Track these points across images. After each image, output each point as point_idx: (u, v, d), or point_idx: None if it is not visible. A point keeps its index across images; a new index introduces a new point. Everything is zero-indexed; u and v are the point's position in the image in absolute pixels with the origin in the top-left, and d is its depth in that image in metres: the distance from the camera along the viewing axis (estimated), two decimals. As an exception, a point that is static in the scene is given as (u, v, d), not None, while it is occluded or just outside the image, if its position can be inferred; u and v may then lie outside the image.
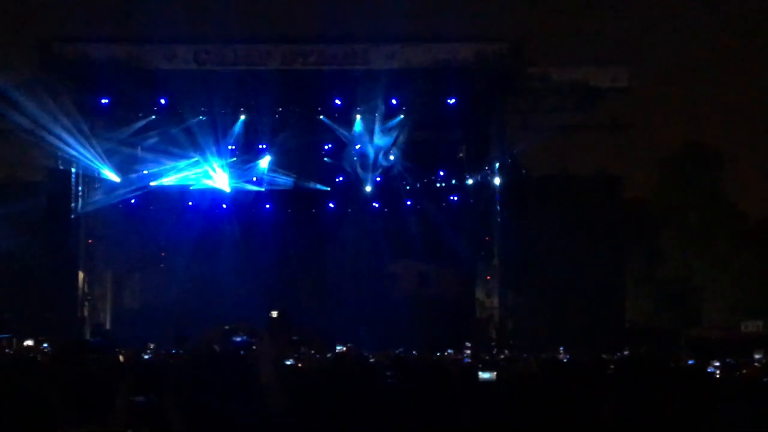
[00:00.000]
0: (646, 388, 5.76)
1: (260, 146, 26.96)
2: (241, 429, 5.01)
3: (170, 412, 5.02)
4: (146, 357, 13.59)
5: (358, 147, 26.88)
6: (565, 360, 16.28)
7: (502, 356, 19.10)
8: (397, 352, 16.40)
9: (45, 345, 16.19)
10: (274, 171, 27.31)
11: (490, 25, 26.00)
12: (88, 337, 21.76)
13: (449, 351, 20.39)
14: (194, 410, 5.29)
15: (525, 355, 17.79)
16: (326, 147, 27.31)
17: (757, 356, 15.89)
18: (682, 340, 23.21)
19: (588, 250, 25.60)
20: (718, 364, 12.97)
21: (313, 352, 13.56)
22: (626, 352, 16.32)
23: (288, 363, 9.56)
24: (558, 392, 6.30)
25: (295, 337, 7.35)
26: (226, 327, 6.22)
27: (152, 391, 5.49)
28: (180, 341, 15.73)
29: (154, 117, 25.84)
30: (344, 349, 17.51)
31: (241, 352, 5.95)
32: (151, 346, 17.87)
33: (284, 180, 27.39)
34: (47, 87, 24.48)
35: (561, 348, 20.73)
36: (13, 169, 26.11)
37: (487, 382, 8.26)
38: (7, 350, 16.39)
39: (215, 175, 26.77)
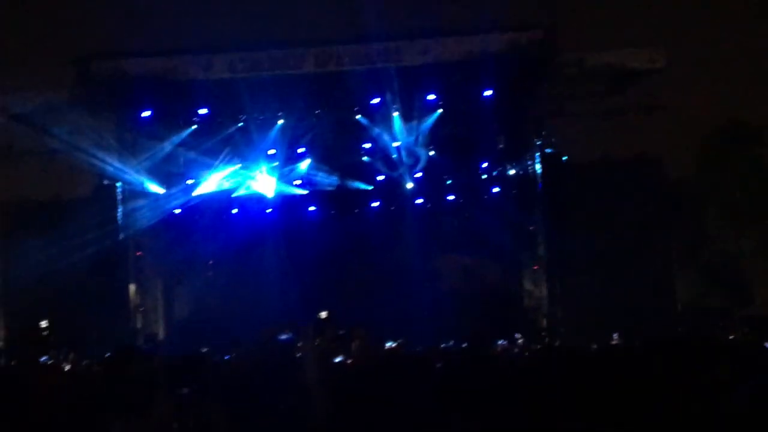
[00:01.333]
0: (704, 364, 5.75)
1: (299, 150, 27.16)
2: (284, 423, 5.11)
3: (213, 405, 5.13)
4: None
5: (397, 145, 26.95)
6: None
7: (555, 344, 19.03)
8: (444, 345, 16.40)
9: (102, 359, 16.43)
10: (315, 173, 27.52)
11: (521, 13, 25.78)
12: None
13: (501, 341, 20.34)
14: (238, 404, 5.41)
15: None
16: (365, 147, 27.41)
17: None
18: (737, 319, 22.92)
19: (633, 234, 25.44)
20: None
21: (359, 346, 13.60)
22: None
23: (337, 360, 9.65)
24: (609, 374, 6.29)
25: (341, 332, 7.45)
26: (276, 329, 6.35)
27: (197, 384, 5.56)
28: (234, 345, 15.90)
29: (194, 128, 26.14)
30: (394, 345, 17.57)
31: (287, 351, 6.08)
32: (204, 350, 18.07)
33: (326, 182, 27.58)
34: (87, 105, 24.91)
35: (615, 335, 20.57)
36: (59, 188, 26.60)
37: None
38: (65, 366, 16.69)
39: (257, 181, 27.06)
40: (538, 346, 18.02)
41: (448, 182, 27.98)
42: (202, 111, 25.78)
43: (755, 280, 27.45)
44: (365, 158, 27.58)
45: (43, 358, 15.14)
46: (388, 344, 18.33)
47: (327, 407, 5.72)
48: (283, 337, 5.96)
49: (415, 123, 26.54)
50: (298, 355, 5.80)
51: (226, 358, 12.67)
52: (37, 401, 6.24)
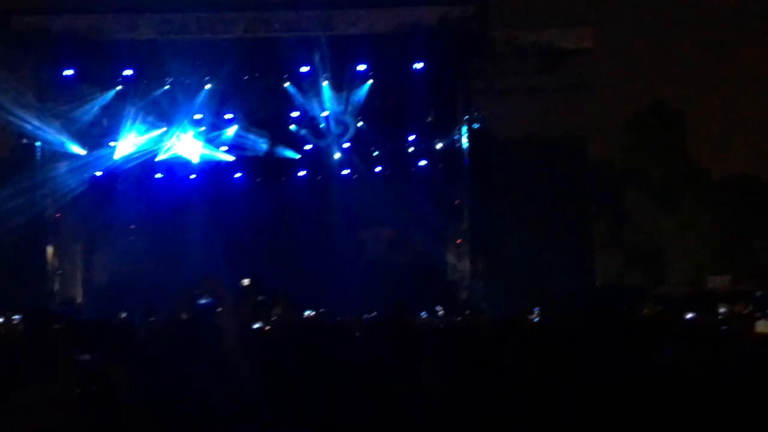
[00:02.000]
0: (615, 339, 5.87)
1: (226, 115, 26.83)
2: (197, 390, 5.06)
3: (119, 371, 5.05)
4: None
5: (325, 114, 26.83)
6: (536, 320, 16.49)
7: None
8: (366, 316, 16.45)
9: (15, 317, 16.10)
10: (242, 140, 27.23)
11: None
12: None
13: (423, 314, 20.50)
14: (149, 370, 5.33)
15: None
16: (293, 115, 27.21)
17: (721, 310, 16.18)
18: (651, 297, 23.55)
19: (555, 212, 25.88)
20: (690, 315, 13.20)
21: (279, 314, 13.54)
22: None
23: (255, 327, 9.58)
24: (528, 348, 6.39)
25: (260, 298, 7.41)
26: (196, 291, 6.28)
27: (100, 350, 5.42)
28: (148, 312, 15.70)
29: (119, 88, 25.59)
30: (313, 313, 17.57)
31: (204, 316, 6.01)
32: (123, 315, 17.81)
33: (253, 148, 27.32)
34: (7, 61, 24.20)
35: (536, 309, 20.91)
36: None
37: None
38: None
39: (182, 145, 26.66)
40: (459, 319, 18.24)
41: (376, 153, 27.98)
42: (127, 72, 25.22)
43: (671, 260, 28.18)
44: (293, 126, 27.39)
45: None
46: (307, 313, 18.33)
47: (244, 375, 5.68)
48: (203, 301, 5.89)
49: (344, 93, 26.45)
50: (216, 320, 5.74)
51: (139, 323, 12.51)
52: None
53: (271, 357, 6.01)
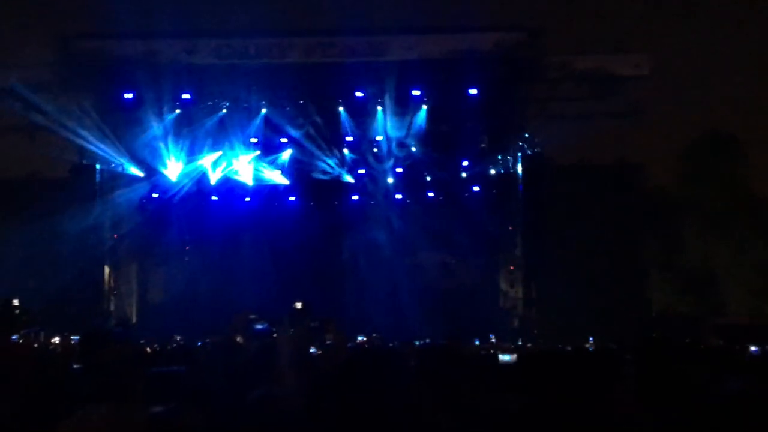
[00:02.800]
0: (671, 367, 5.76)
1: (282, 139, 27.07)
2: (254, 413, 5.07)
3: (184, 395, 5.09)
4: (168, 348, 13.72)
5: (379, 139, 26.92)
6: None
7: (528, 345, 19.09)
8: (419, 343, 16.40)
9: (74, 338, 16.33)
10: (296, 164, 27.44)
11: (508, 13, 25.82)
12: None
13: (476, 342, 20.39)
14: (210, 393, 5.38)
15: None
16: (348, 139, 27.35)
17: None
18: (707, 327, 23.08)
19: (610, 239, 25.56)
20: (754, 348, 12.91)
21: (332, 339, 13.53)
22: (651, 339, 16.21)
23: (311, 351, 9.58)
24: (579, 375, 6.31)
25: (314, 324, 7.42)
26: (251, 316, 6.32)
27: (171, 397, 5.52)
28: (203, 335, 15.84)
29: (177, 112, 25.96)
30: (365, 339, 17.57)
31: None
32: (178, 338, 18.00)
33: (306, 173, 27.50)
34: (69, 84, 24.69)
35: (591, 339, 20.62)
36: (37, 167, 26.36)
37: (507, 364, 8.30)
38: (35, 345, 16.56)
39: (238, 169, 26.96)
40: (512, 347, 18.11)
41: (429, 179, 27.96)
42: (185, 96, 25.58)
43: (725, 289, 27.62)
44: (347, 151, 27.51)
45: (14, 337, 15.03)
46: (360, 338, 18.34)
47: (298, 400, 5.68)
48: (259, 326, 5.92)
49: (398, 119, 26.50)
50: (272, 345, 5.77)
51: (199, 344, 12.62)
52: (3, 379, 6.16)
53: (324, 382, 6.02)
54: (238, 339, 6.07)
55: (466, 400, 6.48)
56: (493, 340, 22.06)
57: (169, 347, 13.75)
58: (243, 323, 6.27)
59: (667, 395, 5.62)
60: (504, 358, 8.57)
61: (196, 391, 5.30)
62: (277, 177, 27.51)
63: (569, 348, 14.72)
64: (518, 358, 8.81)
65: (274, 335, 5.85)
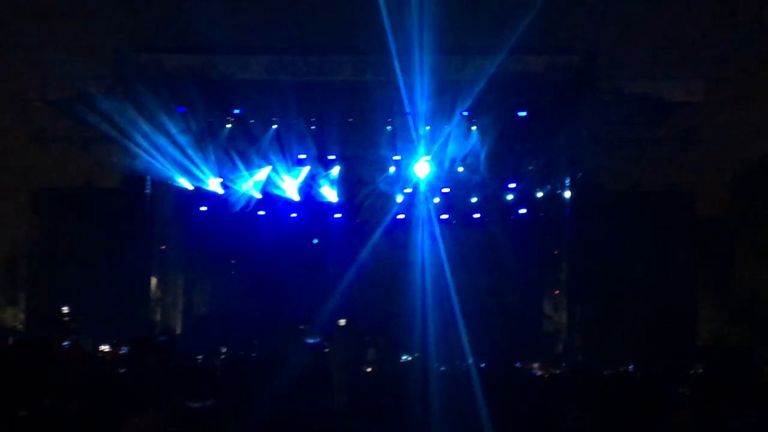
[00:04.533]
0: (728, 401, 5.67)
1: (330, 156, 27.20)
2: (302, 425, 5.07)
3: (225, 417, 5.12)
4: (212, 361, 13.78)
5: (426, 159, 26.91)
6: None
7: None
8: (465, 364, 16.28)
9: (123, 349, 16.51)
10: (343, 181, 27.55)
11: (561, 36, 25.73)
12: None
13: (517, 364, 20.19)
14: (253, 414, 5.39)
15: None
16: (395, 158, 27.39)
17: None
18: (757, 358, 22.63)
19: (659, 266, 25.25)
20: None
21: (375, 355, 13.57)
22: (700, 370, 15.97)
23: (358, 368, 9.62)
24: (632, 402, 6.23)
25: (363, 338, 7.44)
26: (301, 327, 6.34)
27: (210, 396, 5.57)
28: (247, 347, 15.88)
29: (228, 127, 26.23)
30: (410, 358, 17.50)
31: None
32: (224, 350, 18.09)
33: (353, 190, 27.59)
34: (124, 95, 25.09)
35: (630, 367, 20.34)
36: (89, 176, 26.77)
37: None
38: (84, 351, 16.75)
39: (286, 185, 27.13)
40: (557, 371, 17.91)
41: (475, 199, 27.88)
42: (237, 111, 25.85)
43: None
44: (394, 169, 27.56)
45: (65, 344, 15.22)
46: (405, 357, 18.28)
47: (348, 411, 5.70)
48: (311, 341, 5.96)
49: (447, 138, 26.49)
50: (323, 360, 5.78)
51: (241, 353, 12.68)
52: (57, 381, 6.25)
53: (372, 397, 6.02)
54: (289, 352, 6.09)
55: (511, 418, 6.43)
56: (535, 366, 21.83)
57: (216, 358, 13.83)
58: (294, 336, 6.29)
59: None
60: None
61: (240, 401, 5.32)
62: (324, 194, 27.63)
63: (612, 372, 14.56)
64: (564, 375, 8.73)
65: (326, 350, 5.85)
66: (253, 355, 11.14)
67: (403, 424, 5.80)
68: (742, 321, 26.91)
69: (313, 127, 26.40)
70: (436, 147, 26.57)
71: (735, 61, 24.67)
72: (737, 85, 26.29)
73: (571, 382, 9.71)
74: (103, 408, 5.34)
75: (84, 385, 5.77)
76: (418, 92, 25.33)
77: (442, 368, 13.52)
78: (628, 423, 6.06)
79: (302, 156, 26.93)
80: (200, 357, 15.33)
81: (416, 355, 18.22)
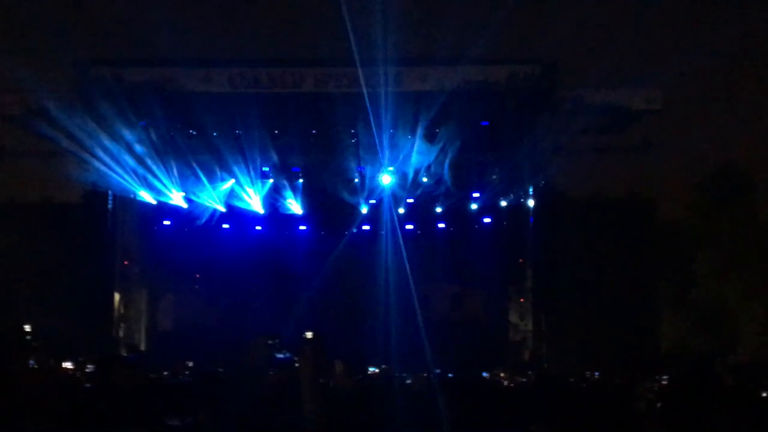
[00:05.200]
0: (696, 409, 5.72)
1: (294, 169, 27.13)
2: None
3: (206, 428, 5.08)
4: (181, 378, 13.65)
5: (390, 169, 26.94)
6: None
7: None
8: (432, 375, 16.27)
9: (89, 367, 16.29)
10: (306, 193, 27.48)
11: (522, 46, 25.93)
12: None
13: (484, 374, 20.23)
14: (233, 426, 5.35)
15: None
16: (358, 169, 27.39)
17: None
18: (719, 365, 22.89)
19: (621, 273, 25.48)
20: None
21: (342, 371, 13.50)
22: (664, 377, 16.13)
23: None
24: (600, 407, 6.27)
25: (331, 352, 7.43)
26: (269, 341, 6.31)
27: (188, 413, 5.55)
28: (214, 362, 15.76)
29: (190, 140, 26.06)
30: (376, 370, 17.46)
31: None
32: (190, 364, 17.94)
33: (317, 202, 27.53)
34: (84, 109, 24.82)
35: (596, 374, 20.47)
36: (49, 190, 26.45)
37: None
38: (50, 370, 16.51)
39: (250, 198, 27.00)
40: (523, 379, 17.98)
41: (439, 209, 27.94)
42: (198, 124, 25.68)
43: (740, 327, 27.44)
44: (357, 180, 27.54)
45: (30, 363, 14.97)
46: (371, 369, 18.23)
47: (319, 426, 5.67)
48: (281, 356, 5.93)
49: (410, 149, 26.53)
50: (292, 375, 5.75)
51: (220, 371, 12.58)
52: (23, 403, 6.16)
53: (343, 410, 6.00)
54: (257, 368, 6.05)
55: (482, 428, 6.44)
56: (502, 375, 21.88)
57: (182, 373, 13.71)
58: (262, 349, 6.26)
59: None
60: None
61: (216, 417, 5.27)
62: (288, 206, 27.55)
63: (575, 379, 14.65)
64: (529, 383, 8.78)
65: (296, 365, 5.83)
66: (221, 370, 11.06)
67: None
68: (703, 328, 27.23)
69: (276, 140, 26.29)
70: (400, 158, 26.61)
71: (694, 70, 25.02)
72: (697, 93, 26.67)
73: (539, 391, 9.75)
74: (74, 429, 5.28)
75: (52, 407, 5.68)
76: (382, 104, 25.35)
77: (408, 380, 13.50)
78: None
79: (265, 168, 26.82)
80: (166, 373, 15.18)
81: (383, 366, 18.18)
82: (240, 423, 5.24)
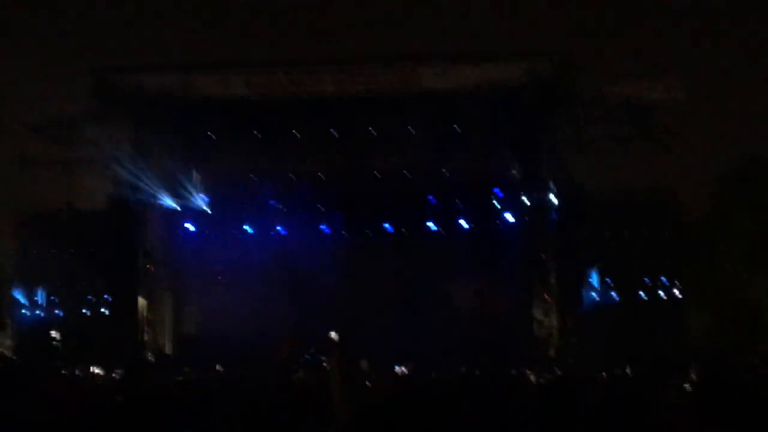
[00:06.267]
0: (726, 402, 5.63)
1: (315, 168, 27.17)
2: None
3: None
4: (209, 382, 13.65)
5: (411, 167, 26.91)
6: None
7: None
8: (460, 373, 16.22)
9: (117, 372, 16.35)
10: (327, 193, 27.50)
11: (539, 40, 25.82)
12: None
13: (512, 372, 20.11)
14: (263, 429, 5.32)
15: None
16: (381, 168, 27.37)
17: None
18: (750, 356, 22.70)
19: (645, 267, 25.30)
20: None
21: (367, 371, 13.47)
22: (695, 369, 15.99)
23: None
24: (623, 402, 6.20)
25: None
26: (296, 343, 6.28)
27: (215, 416, 5.51)
28: (244, 363, 15.76)
29: (211, 143, 26.13)
30: (404, 369, 17.43)
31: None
32: (218, 368, 17.96)
33: (339, 202, 27.53)
34: (104, 117, 24.94)
35: (627, 369, 20.30)
36: (73, 199, 26.58)
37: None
38: (77, 372, 16.64)
39: (271, 200, 27.07)
40: (549, 377, 17.85)
41: (462, 207, 27.87)
42: (219, 127, 25.75)
43: (766, 320, 27.18)
44: (378, 179, 27.51)
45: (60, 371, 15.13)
46: (397, 368, 18.19)
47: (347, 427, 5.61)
48: (307, 357, 5.90)
49: (430, 146, 26.49)
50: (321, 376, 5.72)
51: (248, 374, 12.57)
52: (51, 408, 6.15)
53: (375, 413, 5.95)
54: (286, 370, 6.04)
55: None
56: (529, 372, 21.76)
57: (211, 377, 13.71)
58: (289, 351, 6.24)
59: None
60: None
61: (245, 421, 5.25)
62: (309, 206, 27.56)
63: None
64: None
65: (324, 365, 5.80)
66: (248, 374, 11.06)
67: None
68: (730, 322, 27.00)
69: (296, 140, 26.33)
70: (420, 156, 26.57)
71: (717, 60, 24.84)
72: (720, 83, 26.45)
73: (568, 389, 9.64)
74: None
75: (79, 413, 5.66)
76: (400, 102, 25.30)
77: (437, 380, 13.43)
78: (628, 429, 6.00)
79: (286, 170, 26.87)
80: (194, 376, 15.22)
81: (411, 365, 18.13)
82: (270, 427, 5.20)
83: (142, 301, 25.84)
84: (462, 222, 28.04)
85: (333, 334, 18.65)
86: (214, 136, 26.05)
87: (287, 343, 6.34)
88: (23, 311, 25.38)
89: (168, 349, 26.54)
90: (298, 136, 26.32)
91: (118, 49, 26.76)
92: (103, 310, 24.67)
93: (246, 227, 27.74)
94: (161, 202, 26.27)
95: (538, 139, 26.18)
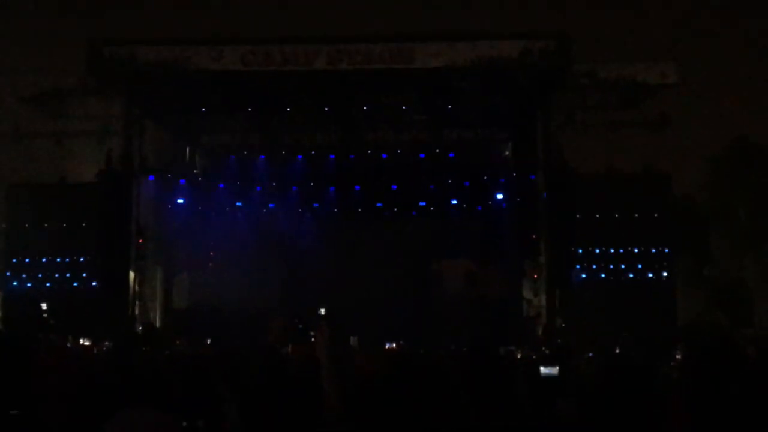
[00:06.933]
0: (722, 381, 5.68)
1: (307, 145, 27.12)
2: (299, 422, 5.05)
3: (227, 407, 5.08)
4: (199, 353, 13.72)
5: (404, 145, 26.91)
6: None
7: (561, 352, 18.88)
8: (449, 350, 16.31)
9: (106, 344, 16.39)
10: (320, 170, 27.48)
11: (535, 21, 25.75)
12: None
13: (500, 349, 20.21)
14: (254, 404, 5.36)
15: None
16: (373, 145, 27.37)
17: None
18: (739, 337, 22.84)
19: (636, 249, 25.38)
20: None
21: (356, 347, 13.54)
22: (683, 350, 16.11)
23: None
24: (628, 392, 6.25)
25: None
26: (285, 318, 6.33)
27: (208, 386, 5.54)
28: (233, 341, 15.85)
29: (205, 118, 26.06)
30: (393, 345, 17.53)
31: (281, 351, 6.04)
32: (208, 342, 18.05)
33: (327, 180, 27.54)
34: (97, 89, 24.83)
35: (617, 349, 20.42)
36: (65, 170, 26.50)
37: (548, 376, 8.26)
38: (68, 344, 16.66)
39: (262, 176, 27.04)
40: (534, 357, 17.96)
41: (453, 186, 27.90)
42: (212, 101, 25.66)
43: (756, 302, 27.35)
44: (370, 157, 27.51)
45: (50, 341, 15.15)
46: (388, 344, 18.30)
47: (337, 405, 5.66)
48: (297, 331, 5.94)
49: (422, 125, 26.48)
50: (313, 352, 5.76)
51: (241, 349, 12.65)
52: (44, 380, 6.19)
53: (365, 389, 5.99)
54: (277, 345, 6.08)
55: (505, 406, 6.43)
56: (518, 351, 21.89)
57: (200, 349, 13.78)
58: (279, 325, 6.28)
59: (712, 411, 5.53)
60: (545, 370, 8.51)
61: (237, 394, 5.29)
62: (301, 182, 27.57)
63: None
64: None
65: (312, 339, 5.85)
66: (238, 346, 11.13)
67: (396, 410, 5.80)
68: (719, 304, 27.15)
69: (289, 117, 26.26)
70: (413, 134, 26.56)
71: (711, 44, 24.82)
72: (714, 67, 26.46)
73: (559, 367, 9.75)
74: (94, 407, 5.28)
75: (71, 390, 5.69)
76: (394, 80, 25.25)
77: (426, 357, 13.51)
78: (621, 408, 6.07)
79: (278, 146, 26.83)
80: (181, 346, 15.28)
81: (399, 342, 18.25)
82: (260, 401, 5.25)
83: (132, 275, 25.86)
84: (454, 201, 28.09)
85: (322, 311, 18.75)
86: (207, 111, 25.96)
87: (278, 323, 6.36)
88: (13, 282, 25.36)
89: (157, 323, 26.58)
90: (292, 112, 26.25)
91: (113, 22, 26.57)
92: (93, 283, 24.61)
93: (238, 202, 27.73)
94: (153, 176, 26.23)
95: (530, 118, 26.21)
